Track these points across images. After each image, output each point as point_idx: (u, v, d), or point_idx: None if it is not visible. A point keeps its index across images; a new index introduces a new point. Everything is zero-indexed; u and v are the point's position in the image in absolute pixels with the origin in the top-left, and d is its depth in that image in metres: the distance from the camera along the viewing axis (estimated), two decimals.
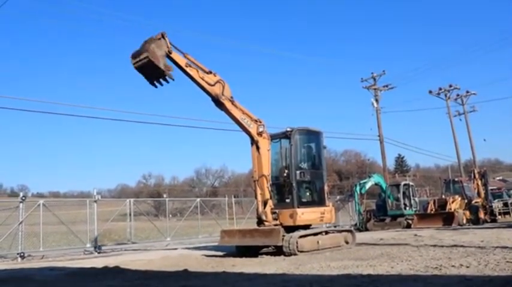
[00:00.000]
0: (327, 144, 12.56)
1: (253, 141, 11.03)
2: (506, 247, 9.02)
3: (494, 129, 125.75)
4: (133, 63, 9.76)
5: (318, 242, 10.59)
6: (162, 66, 9.58)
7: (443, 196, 25.15)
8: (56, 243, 16.33)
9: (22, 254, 13.44)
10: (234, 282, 6.44)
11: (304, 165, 11.38)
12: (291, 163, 10.99)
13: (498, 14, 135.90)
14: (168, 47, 9.78)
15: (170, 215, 22.70)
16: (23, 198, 14.31)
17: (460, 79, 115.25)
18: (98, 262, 10.47)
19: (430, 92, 38.01)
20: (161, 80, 9.99)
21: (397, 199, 24.14)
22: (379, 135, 32.88)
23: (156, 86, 10.16)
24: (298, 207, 10.66)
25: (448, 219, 21.57)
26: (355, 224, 23.88)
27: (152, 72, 9.84)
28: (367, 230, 22.70)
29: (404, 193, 24.22)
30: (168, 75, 9.76)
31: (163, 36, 9.78)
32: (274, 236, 10.08)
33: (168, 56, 9.89)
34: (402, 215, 23.40)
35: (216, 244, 12.98)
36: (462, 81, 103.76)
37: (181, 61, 10.05)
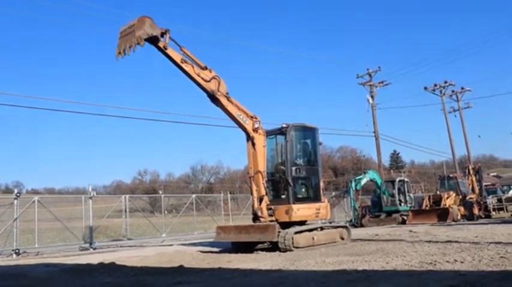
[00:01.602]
0: (322, 140, 12.59)
1: (249, 138, 11.03)
2: (500, 243, 9.08)
3: (488, 126, 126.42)
4: (121, 27, 9.80)
5: (313, 238, 10.62)
6: (137, 35, 9.40)
7: (438, 192, 25.30)
8: (51, 240, 16.27)
9: (17, 250, 13.39)
10: (229, 278, 6.45)
11: (300, 161, 11.39)
12: (286, 159, 11.00)
13: (493, 11, 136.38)
14: (164, 44, 9.83)
15: (166, 212, 22.74)
16: (18, 194, 14.24)
17: (455, 76, 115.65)
18: (93, 258, 10.43)
19: (425, 88, 38.12)
20: (126, 51, 9.65)
21: (392, 195, 24.20)
22: (374, 132, 32.95)
23: (117, 59, 9.81)
24: (293, 203, 10.68)
25: (442, 215, 21.69)
26: (351, 220, 23.93)
27: (127, 40, 9.63)
28: (362, 226, 22.75)
29: (399, 189, 24.29)
30: (133, 44, 9.48)
31: (165, 32, 9.85)
32: (270, 232, 10.10)
33: (164, 51, 9.89)
34: (397, 211, 23.49)
35: (211, 240, 12.98)
36: (457, 78, 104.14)
37: (177, 57, 10.04)
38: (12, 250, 13.35)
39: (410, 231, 14.66)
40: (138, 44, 9.48)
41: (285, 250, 9.81)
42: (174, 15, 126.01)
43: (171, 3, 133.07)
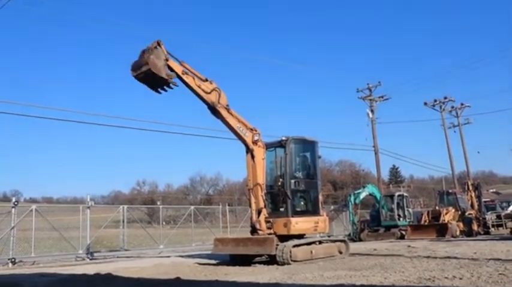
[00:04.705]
0: (321, 154, 12.59)
1: (249, 150, 11.04)
2: (499, 259, 9.03)
3: (488, 142, 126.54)
4: (135, 75, 9.92)
5: (311, 251, 10.57)
6: (164, 75, 9.77)
7: (437, 208, 25.20)
8: (48, 249, 16.18)
9: (13, 259, 13.32)
10: None
11: (299, 174, 11.37)
12: (285, 172, 10.98)
13: (493, 27, 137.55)
14: (165, 56, 9.88)
15: (164, 223, 22.62)
16: (15, 203, 14.22)
17: (455, 91, 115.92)
18: (89, 268, 10.38)
19: (425, 103, 38.31)
20: (165, 87, 10.15)
21: (391, 210, 24.12)
22: (374, 146, 32.99)
23: (160, 93, 10.33)
24: (292, 216, 10.64)
25: (441, 230, 21.60)
26: (349, 234, 23.83)
27: (155, 82, 10.01)
28: (360, 240, 22.66)
29: (398, 204, 24.23)
30: (171, 82, 9.95)
31: (159, 44, 9.89)
32: (268, 245, 10.05)
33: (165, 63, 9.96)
34: (396, 226, 23.39)
35: (209, 252, 12.92)
36: (457, 94, 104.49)
37: (178, 69, 10.09)
38: (8, 259, 13.29)
39: (409, 246, 14.59)
40: (171, 77, 9.87)
41: (283, 264, 9.74)
42: (173, 26, 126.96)
43: (171, 16, 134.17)
